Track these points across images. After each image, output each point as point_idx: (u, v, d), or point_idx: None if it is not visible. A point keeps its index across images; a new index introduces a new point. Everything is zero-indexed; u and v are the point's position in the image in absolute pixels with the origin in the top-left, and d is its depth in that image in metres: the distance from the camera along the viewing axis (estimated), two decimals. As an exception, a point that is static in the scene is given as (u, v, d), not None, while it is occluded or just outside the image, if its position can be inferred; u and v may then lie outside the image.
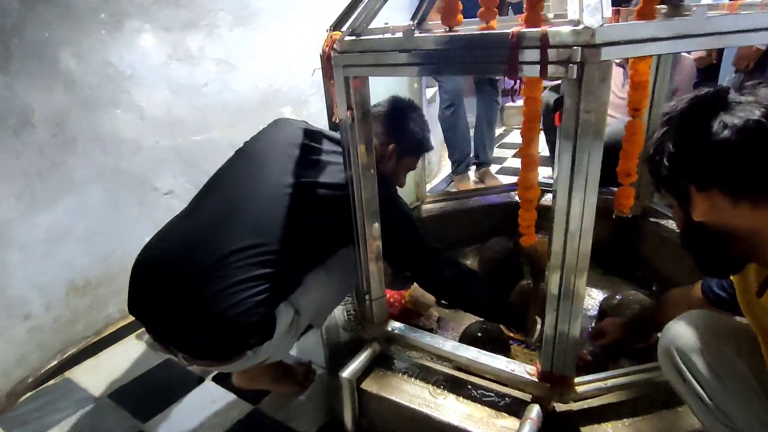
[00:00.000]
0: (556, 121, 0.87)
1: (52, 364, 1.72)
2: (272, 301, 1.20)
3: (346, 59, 1.07)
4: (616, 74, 2.27)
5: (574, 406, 1.13)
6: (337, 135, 1.34)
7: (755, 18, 0.86)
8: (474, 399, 1.19)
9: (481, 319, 1.65)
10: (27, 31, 1.63)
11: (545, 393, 1.10)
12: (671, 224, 1.83)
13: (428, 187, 2.59)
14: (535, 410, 1.09)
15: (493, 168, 3.32)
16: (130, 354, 1.77)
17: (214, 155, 2.13)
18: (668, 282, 1.76)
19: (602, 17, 0.78)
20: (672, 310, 1.18)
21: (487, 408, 1.17)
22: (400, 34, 0.97)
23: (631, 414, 1.11)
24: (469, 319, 1.73)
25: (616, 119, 2.14)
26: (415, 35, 0.96)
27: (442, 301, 1.80)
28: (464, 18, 1.18)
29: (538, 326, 1.39)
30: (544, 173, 2.82)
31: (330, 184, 1.28)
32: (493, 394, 1.20)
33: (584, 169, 0.86)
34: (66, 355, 1.77)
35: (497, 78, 2.99)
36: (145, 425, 1.45)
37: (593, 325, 1.63)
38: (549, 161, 2.48)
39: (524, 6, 1.03)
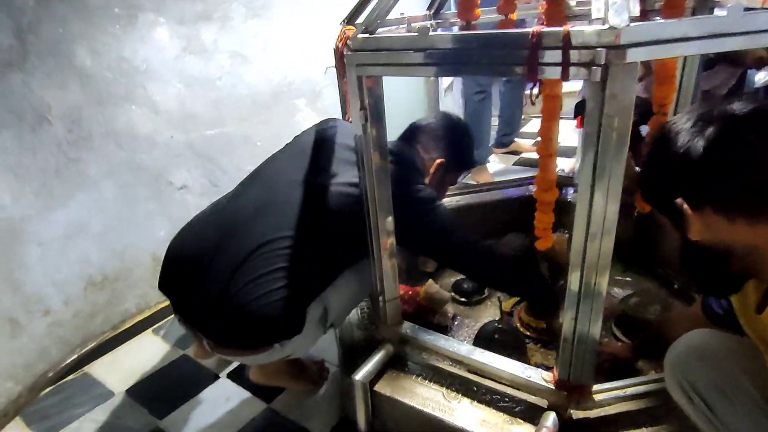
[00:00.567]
0: (578, 124, 0.84)
1: (72, 359, 1.76)
2: (306, 296, 1.22)
3: (359, 58, 1.03)
4: None
5: (592, 413, 1.10)
6: (390, 147, 1.36)
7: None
8: (488, 404, 1.17)
9: (497, 319, 1.63)
10: (42, 28, 1.63)
11: (562, 401, 1.08)
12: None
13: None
14: (551, 418, 1.06)
15: (510, 158, 3.26)
16: (146, 349, 1.80)
17: (228, 149, 2.15)
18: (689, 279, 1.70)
19: (629, 16, 0.74)
20: (675, 329, 1.16)
21: (501, 413, 1.15)
22: (415, 33, 0.93)
23: (649, 423, 1.08)
24: (484, 317, 1.71)
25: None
26: (430, 34, 0.92)
27: (456, 297, 1.79)
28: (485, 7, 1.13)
29: None
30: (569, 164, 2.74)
31: None
32: (508, 399, 1.18)
33: (606, 176, 0.82)
34: (85, 349, 1.80)
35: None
36: (162, 422, 1.47)
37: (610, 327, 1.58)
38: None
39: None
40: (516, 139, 3.36)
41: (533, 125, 4.13)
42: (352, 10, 1.13)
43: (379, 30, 1.07)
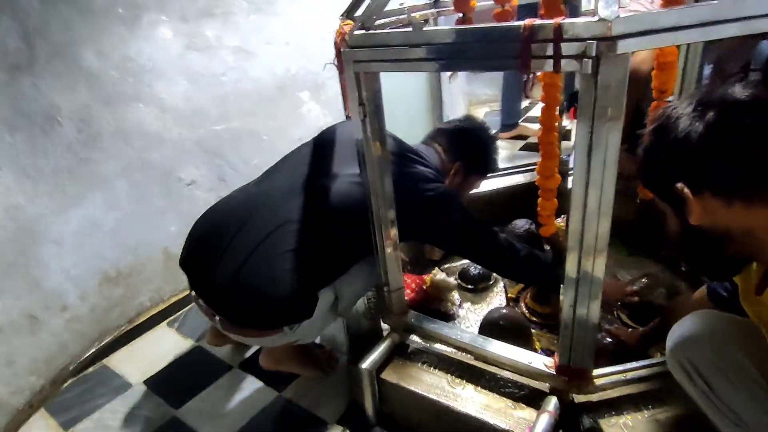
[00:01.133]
0: (571, 116, 0.85)
1: (90, 352, 1.82)
2: (318, 281, 1.26)
3: (356, 54, 1.05)
4: None
5: (593, 397, 1.12)
6: (411, 147, 1.46)
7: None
8: (492, 389, 1.20)
9: (502, 306, 1.65)
10: (49, 31, 1.67)
11: (563, 385, 1.10)
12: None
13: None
14: (552, 402, 1.09)
15: (518, 143, 3.25)
16: (161, 341, 1.85)
17: (235, 144, 2.18)
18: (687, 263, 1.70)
19: (618, 7, 0.74)
20: (682, 315, 1.17)
21: (505, 399, 1.17)
22: (409, 29, 0.94)
23: (650, 406, 1.10)
24: (489, 304, 1.74)
25: None
26: (424, 29, 0.93)
27: (462, 284, 1.81)
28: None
29: None
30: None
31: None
32: (511, 385, 1.21)
33: (600, 167, 0.83)
34: (102, 343, 1.86)
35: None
36: (178, 411, 1.52)
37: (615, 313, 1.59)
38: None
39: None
40: (522, 123, 3.35)
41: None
42: (350, 3, 1.13)
43: (379, 21, 1.07)
